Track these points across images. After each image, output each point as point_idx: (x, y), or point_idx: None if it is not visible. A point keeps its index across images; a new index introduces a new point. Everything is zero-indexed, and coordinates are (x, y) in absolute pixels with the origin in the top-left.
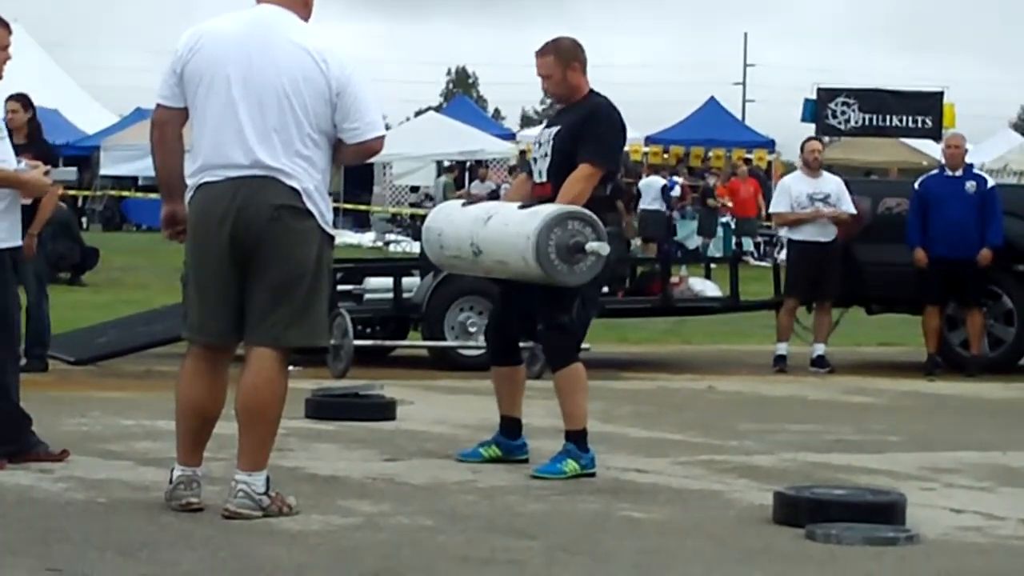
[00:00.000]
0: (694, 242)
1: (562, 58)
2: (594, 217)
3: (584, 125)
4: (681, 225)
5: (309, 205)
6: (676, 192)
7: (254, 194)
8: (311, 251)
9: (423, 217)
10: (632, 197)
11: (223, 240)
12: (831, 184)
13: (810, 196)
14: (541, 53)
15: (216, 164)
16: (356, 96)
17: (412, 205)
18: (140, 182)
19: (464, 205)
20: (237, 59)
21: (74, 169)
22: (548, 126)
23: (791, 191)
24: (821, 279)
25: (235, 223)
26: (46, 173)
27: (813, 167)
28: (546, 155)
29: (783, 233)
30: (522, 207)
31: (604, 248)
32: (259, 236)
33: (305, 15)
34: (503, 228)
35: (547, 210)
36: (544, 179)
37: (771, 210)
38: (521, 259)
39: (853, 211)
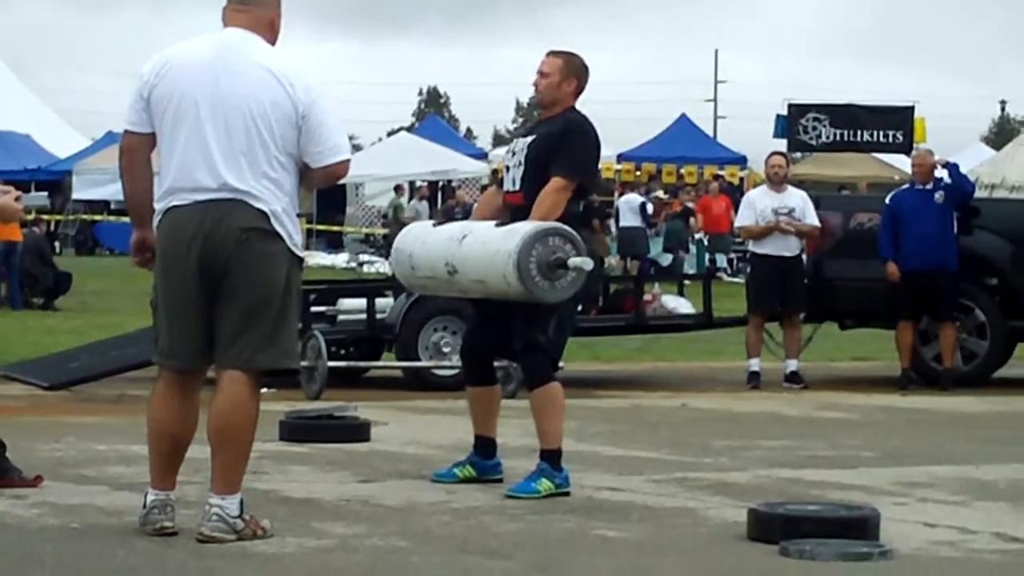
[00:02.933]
0: (667, 259)
1: (568, 68)
2: (573, 232)
3: (560, 137)
4: (654, 243)
5: (277, 227)
6: (649, 209)
7: (222, 217)
8: (280, 273)
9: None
10: (607, 215)
11: (191, 264)
12: (796, 198)
13: (775, 210)
14: (553, 54)
15: (184, 187)
16: (321, 120)
17: (385, 225)
18: (112, 206)
19: (435, 226)
20: (203, 83)
21: (45, 194)
22: (524, 136)
23: (756, 205)
24: (786, 294)
25: (203, 247)
26: (17, 199)
27: (775, 181)
28: (519, 164)
29: (750, 247)
30: (498, 225)
31: (588, 263)
32: (227, 259)
33: (272, 38)
34: (480, 247)
35: (526, 227)
36: (517, 187)
37: (736, 224)
38: (502, 277)
39: (817, 224)
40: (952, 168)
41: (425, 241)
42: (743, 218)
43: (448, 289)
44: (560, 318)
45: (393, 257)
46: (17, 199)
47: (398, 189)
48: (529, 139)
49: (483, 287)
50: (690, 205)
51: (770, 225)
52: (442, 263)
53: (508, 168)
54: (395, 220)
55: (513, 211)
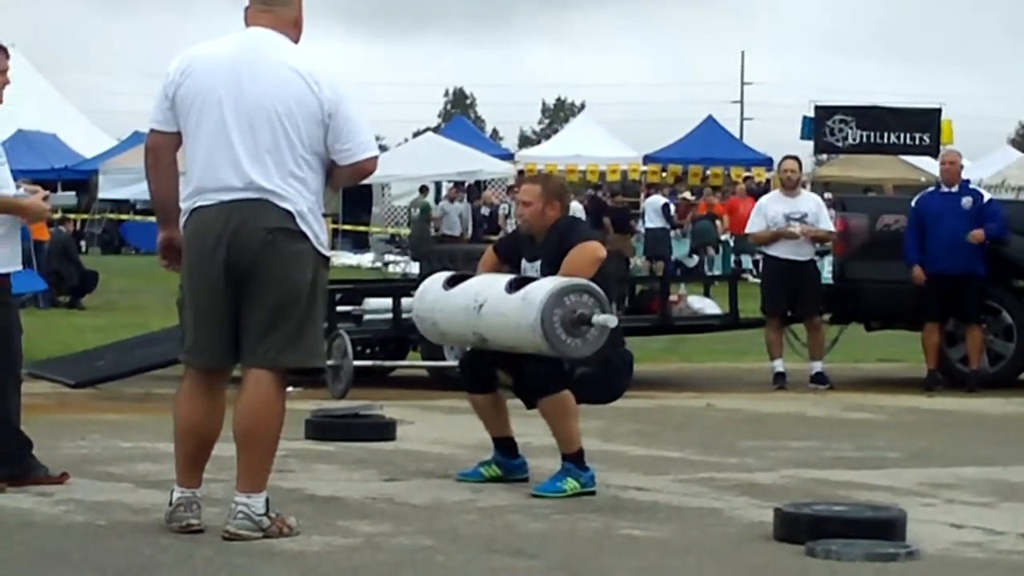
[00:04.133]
0: (693, 261)
1: (548, 193)
2: (589, 284)
3: (564, 240)
4: (678, 244)
5: (303, 227)
6: (673, 211)
7: (248, 218)
8: (306, 273)
9: None
10: (631, 216)
11: (218, 263)
12: (809, 203)
13: (786, 216)
14: (530, 180)
15: (209, 187)
16: (348, 117)
17: (409, 224)
18: (138, 206)
19: (445, 284)
20: (228, 82)
21: (73, 194)
22: (530, 259)
23: (767, 212)
24: (798, 297)
25: (229, 247)
26: (45, 198)
27: (788, 186)
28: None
29: (763, 248)
30: (509, 289)
31: (612, 320)
32: (254, 259)
33: (296, 36)
34: (501, 319)
35: (539, 295)
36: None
37: (747, 230)
38: (534, 347)
39: (831, 229)
40: (993, 210)
41: (443, 309)
42: (753, 224)
43: (487, 347)
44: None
45: (418, 324)
46: (45, 198)
47: (423, 190)
48: (537, 263)
49: (520, 350)
50: (715, 203)
51: (779, 231)
52: (470, 332)
53: None
54: (422, 220)
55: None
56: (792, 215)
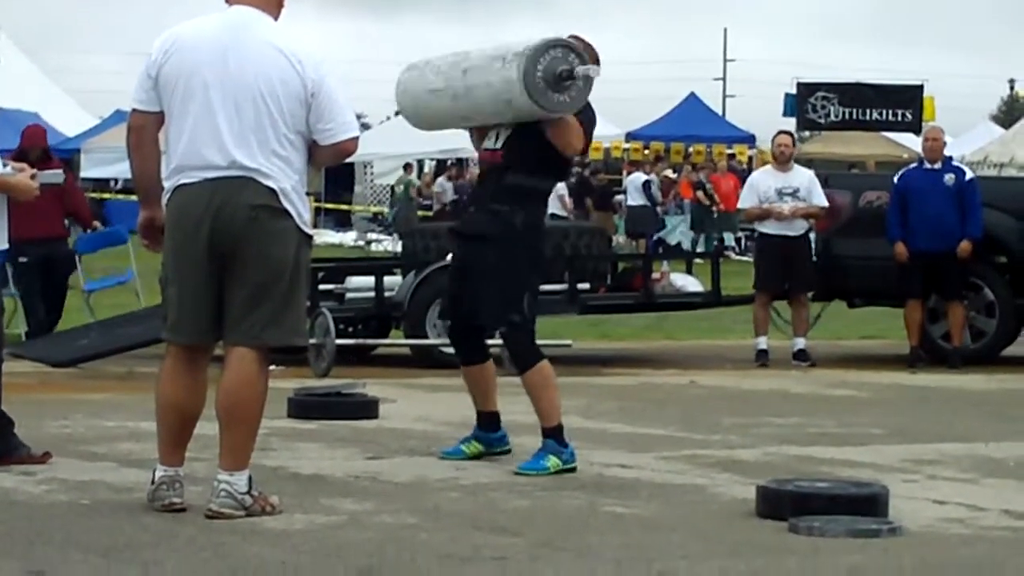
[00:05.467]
0: (676, 237)
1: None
2: (570, 42)
3: None
4: (671, 221)
5: (286, 205)
6: (654, 189)
7: (232, 195)
8: (289, 251)
9: None
10: (613, 193)
11: (201, 241)
12: (801, 178)
13: (778, 191)
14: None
15: (193, 165)
16: (330, 97)
17: (392, 204)
18: (119, 184)
19: None
20: (212, 61)
21: (60, 171)
22: None
23: (759, 187)
24: (791, 272)
25: (213, 224)
26: (33, 176)
27: (781, 161)
28: (508, 127)
29: (756, 226)
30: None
31: (595, 71)
32: (237, 236)
33: (277, 14)
34: (483, 76)
35: (522, 47)
36: (498, 145)
37: (739, 205)
38: (502, 103)
39: (824, 204)
40: (971, 191)
41: (436, 66)
42: (744, 200)
43: (455, 104)
44: (531, 292)
45: (405, 74)
46: (33, 176)
47: (407, 167)
48: None
49: (489, 93)
50: (703, 177)
51: (769, 208)
52: (459, 70)
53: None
54: (406, 198)
55: (489, 170)
56: (784, 190)
